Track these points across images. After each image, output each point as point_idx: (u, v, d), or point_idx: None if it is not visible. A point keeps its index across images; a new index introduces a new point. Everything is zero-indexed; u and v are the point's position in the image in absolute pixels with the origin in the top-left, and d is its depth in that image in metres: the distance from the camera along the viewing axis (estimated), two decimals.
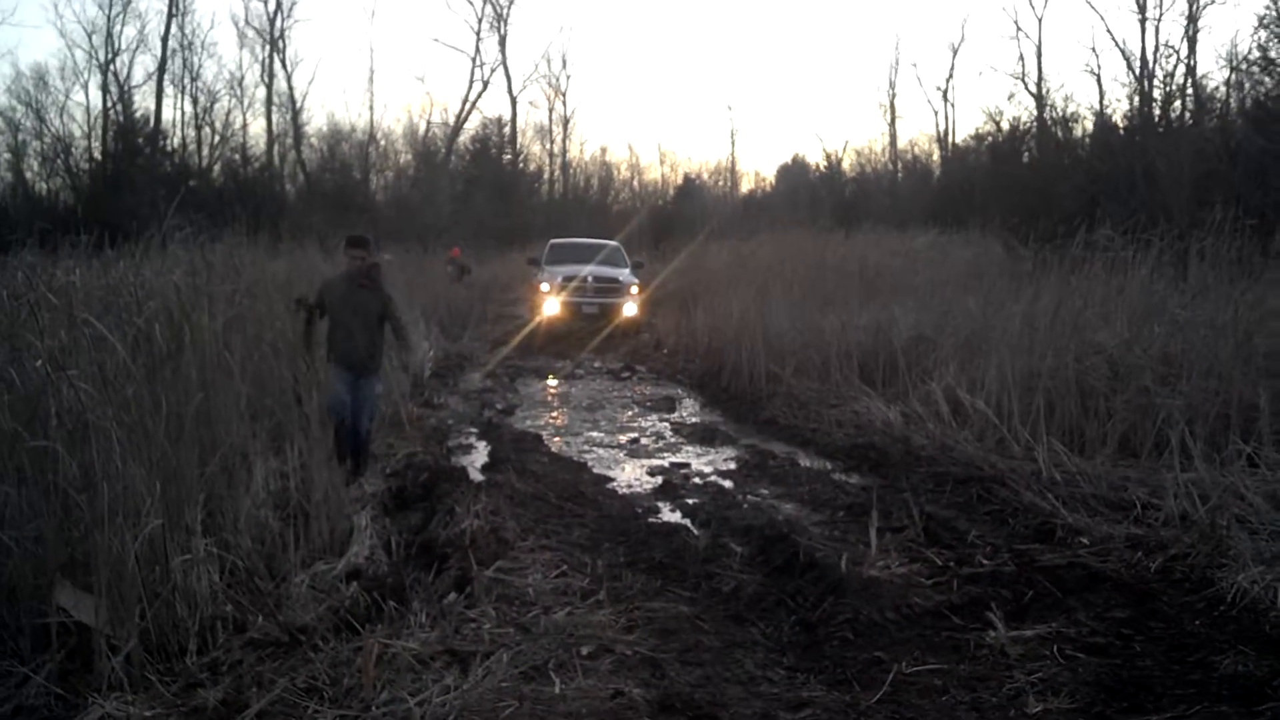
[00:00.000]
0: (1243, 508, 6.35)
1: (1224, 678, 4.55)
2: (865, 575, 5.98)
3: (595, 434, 11.40)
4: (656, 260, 24.39)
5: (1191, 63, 32.17)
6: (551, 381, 16.02)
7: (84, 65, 53.57)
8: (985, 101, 52.06)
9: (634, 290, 20.51)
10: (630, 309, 20.32)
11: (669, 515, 7.88)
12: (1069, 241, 11.78)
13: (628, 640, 5.16)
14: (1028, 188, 28.26)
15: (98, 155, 44.65)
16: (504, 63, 53.97)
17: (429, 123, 54.46)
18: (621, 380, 15.74)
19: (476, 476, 8.75)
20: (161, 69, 46.41)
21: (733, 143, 79.34)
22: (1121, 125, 31.70)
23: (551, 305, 20.04)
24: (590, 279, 20.33)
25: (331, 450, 7.68)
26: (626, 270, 21.20)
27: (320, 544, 6.46)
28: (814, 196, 46.01)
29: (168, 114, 47.31)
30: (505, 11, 53.34)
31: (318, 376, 8.24)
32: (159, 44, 46.58)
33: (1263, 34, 23.60)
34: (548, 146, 57.33)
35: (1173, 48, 34.14)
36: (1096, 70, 47.29)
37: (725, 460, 9.89)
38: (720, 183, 61.87)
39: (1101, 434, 8.49)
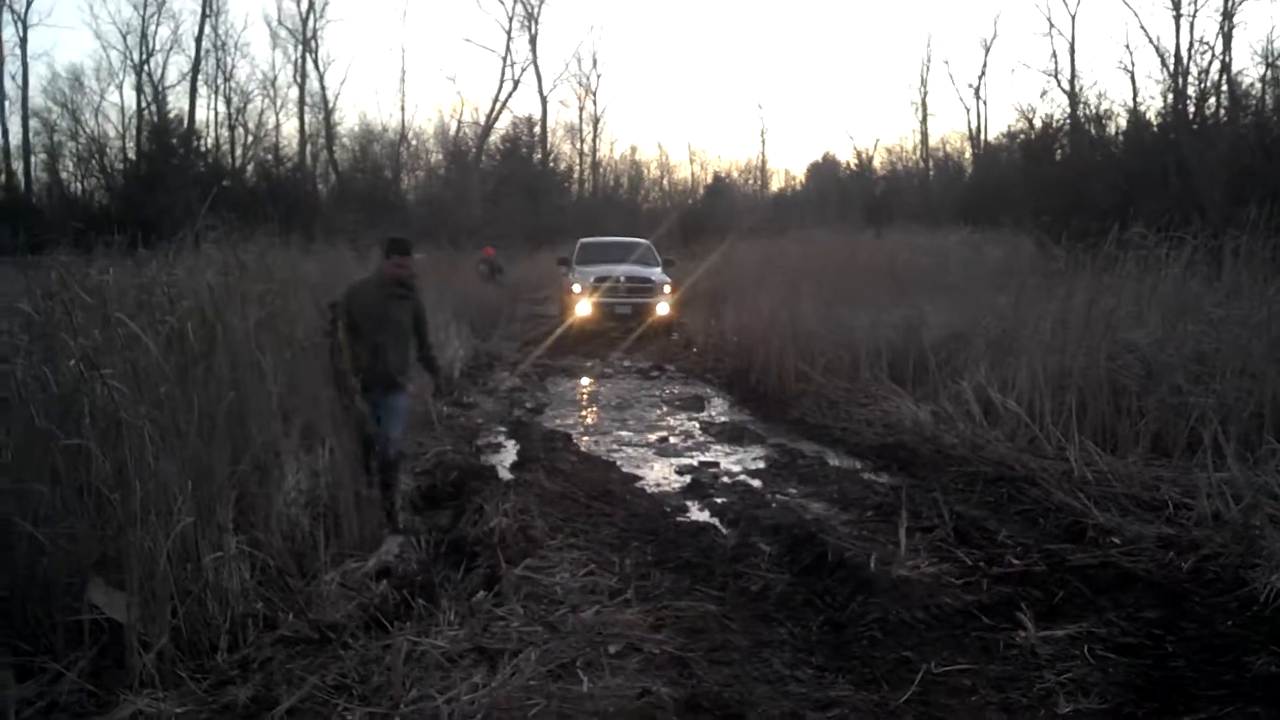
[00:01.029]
0: (1276, 507, 6.28)
1: (1257, 678, 4.52)
2: (894, 575, 5.96)
3: (624, 433, 11.41)
4: (686, 259, 24.34)
5: (1227, 59, 31.82)
6: (581, 380, 16.04)
7: (119, 66, 54.53)
8: (1018, 99, 51.79)
9: (667, 290, 20.22)
10: (663, 308, 20.03)
11: (697, 514, 7.88)
12: (1102, 240, 11.68)
13: (655, 639, 5.17)
14: (1060, 185, 28.15)
15: (132, 155, 45.18)
16: (534, 62, 54.19)
17: (460, 122, 54.77)
18: (651, 379, 15.74)
19: (505, 475, 8.78)
20: (195, 69, 46.93)
21: (763, 141, 79.23)
22: (1155, 122, 31.48)
23: (584, 307, 19.79)
24: (623, 279, 20.04)
25: (359, 466, 7.17)
26: (658, 269, 20.97)
27: (350, 542, 6.49)
28: (844, 195, 45.95)
29: (201, 114, 47.96)
30: (536, 11, 53.56)
31: (353, 396, 7.23)
32: (193, 44, 47.13)
33: None
34: (578, 146, 57.55)
35: (1208, 44, 33.78)
36: (1130, 67, 47.21)
37: (754, 459, 9.87)
38: (750, 181, 61.87)
39: (1134, 433, 8.42)
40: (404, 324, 7.54)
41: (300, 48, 49.90)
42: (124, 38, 47.85)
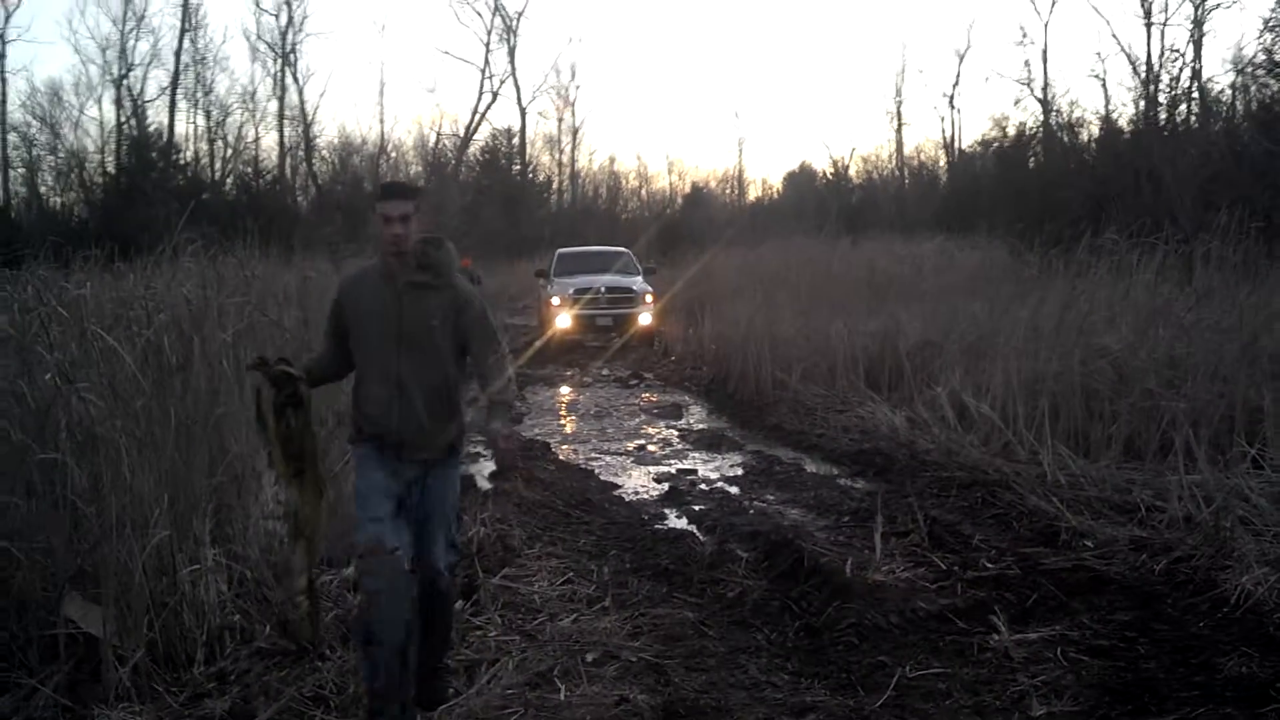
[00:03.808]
0: (1247, 509, 6.35)
1: (1228, 680, 4.57)
2: (870, 580, 6.00)
3: (603, 441, 11.42)
4: (665, 268, 24.33)
5: (1197, 67, 31.97)
6: (560, 389, 16.04)
7: (98, 80, 54.16)
8: (991, 108, 52.28)
9: (649, 299, 19.99)
10: (646, 319, 19.82)
11: (675, 522, 7.90)
12: (1074, 246, 11.80)
13: (633, 647, 5.20)
14: (1034, 193, 28.35)
15: (111, 169, 44.82)
16: (513, 74, 54.10)
17: (439, 134, 54.66)
18: (629, 388, 15.75)
19: (484, 484, 8.78)
20: (174, 83, 46.63)
21: (740, 151, 79.23)
22: (1127, 130, 31.69)
23: (563, 319, 19.47)
24: (603, 290, 19.76)
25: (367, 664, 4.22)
26: (639, 278, 20.78)
27: (328, 552, 6.48)
28: (821, 204, 45.95)
29: (180, 128, 47.34)
30: (514, 23, 53.50)
31: (308, 505, 4.43)
32: (172, 59, 46.79)
33: (1268, 37, 23.63)
34: (557, 156, 57.48)
35: (1178, 52, 34.09)
36: (1102, 75, 47.53)
37: (732, 466, 9.90)
38: (728, 191, 61.96)
39: (1106, 437, 8.49)
40: (437, 339, 4.36)
41: (279, 61, 49.69)
42: (103, 52, 47.40)
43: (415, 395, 4.34)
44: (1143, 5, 34.89)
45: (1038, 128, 39.00)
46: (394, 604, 4.09)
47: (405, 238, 4.32)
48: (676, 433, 11.85)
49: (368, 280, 4.52)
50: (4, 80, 44.24)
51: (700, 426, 12.26)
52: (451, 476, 4.54)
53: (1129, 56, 41.69)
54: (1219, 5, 33.99)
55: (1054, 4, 61.80)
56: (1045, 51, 53.26)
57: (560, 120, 56.97)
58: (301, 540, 4.35)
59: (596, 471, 9.72)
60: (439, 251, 4.46)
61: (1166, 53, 34.97)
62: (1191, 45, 32.74)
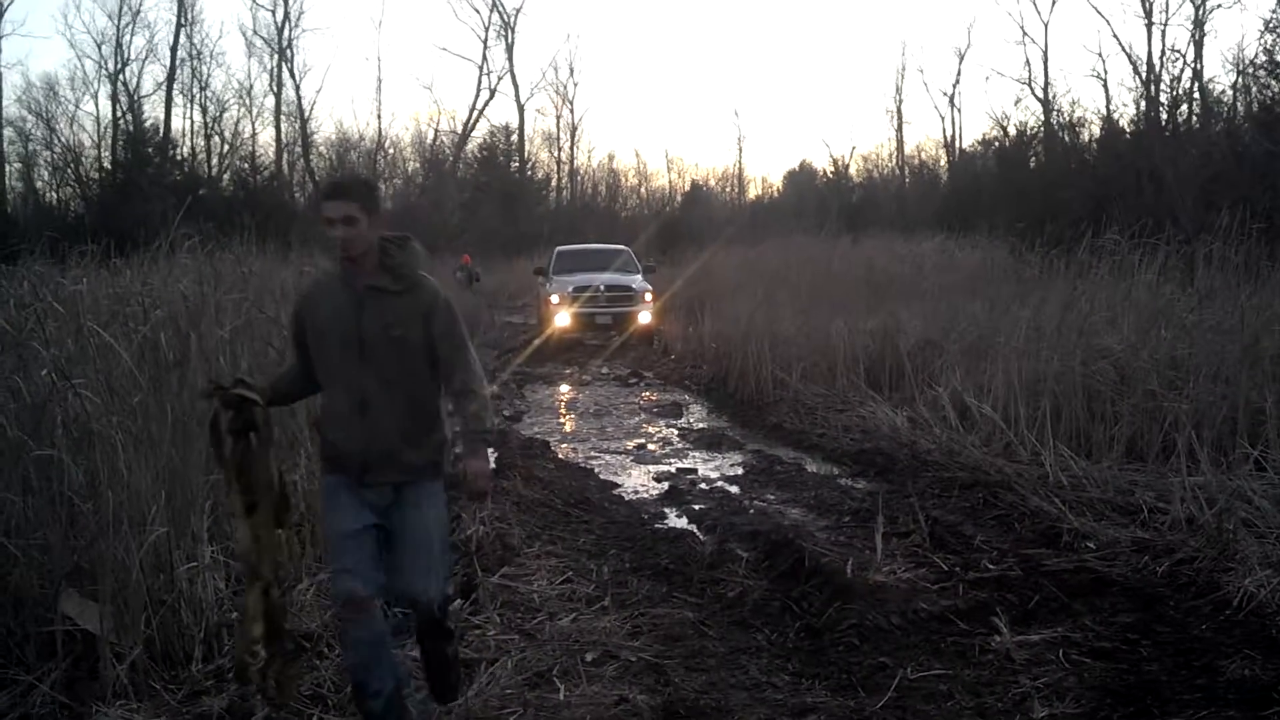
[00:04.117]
0: (1249, 511, 6.33)
1: (1231, 682, 4.55)
2: (871, 580, 5.98)
3: (602, 440, 11.40)
4: (664, 267, 24.32)
5: (1198, 67, 32.08)
6: (560, 388, 16.02)
7: (93, 75, 54.31)
8: (992, 107, 52.29)
9: (648, 297, 19.95)
10: (645, 317, 19.79)
11: (675, 521, 7.87)
12: (1075, 246, 11.78)
13: (632, 646, 5.18)
14: (1034, 192, 28.36)
15: (107, 164, 44.86)
16: (511, 71, 54.24)
17: (437, 131, 54.80)
18: (629, 386, 15.73)
19: None
20: (170, 78, 46.76)
21: (740, 149, 79.14)
22: (1128, 130, 31.73)
23: (563, 317, 19.43)
24: (603, 288, 19.73)
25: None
26: (639, 276, 20.75)
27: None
28: (821, 202, 46.06)
29: (177, 123, 47.40)
30: (512, 20, 53.64)
31: (264, 543, 4.05)
32: (168, 54, 46.96)
33: (1269, 38, 23.64)
34: (555, 154, 57.59)
35: (1179, 52, 34.08)
36: (1103, 75, 47.59)
37: (732, 465, 9.88)
38: (728, 189, 62.07)
39: (1108, 438, 8.47)
40: (403, 348, 4.01)
41: (276, 57, 49.81)
42: (99, 47, 47.55)
43: (382, 412, 3.98)
44: (1143, 5, 35.01)
45: (1038, 127, 39.08)
46: (378, 652, 3.94)
47: (351, 240, 3.93)
48: (676, 432, 11.83)
49: (327, 287, 4.19)
50: (0, 75, 44.28)
51: (700, 425, 12.24)
52: (433, 500, 4.13)
53: (1130, 56, 41.90)
54: (1220, 5, 34.11)
55: (1054, 3, 61.94)
56: (1046, 51, 53.32)
57: (559, 117, 57.10)
58: (257, 583, 3.97)
59: (596, 470, 9.70)
60: (402, 252, 4.08)
61: (1167, 53, 35.06)
62: (1192, 45, 32.84)
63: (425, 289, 4.08)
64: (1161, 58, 34.46)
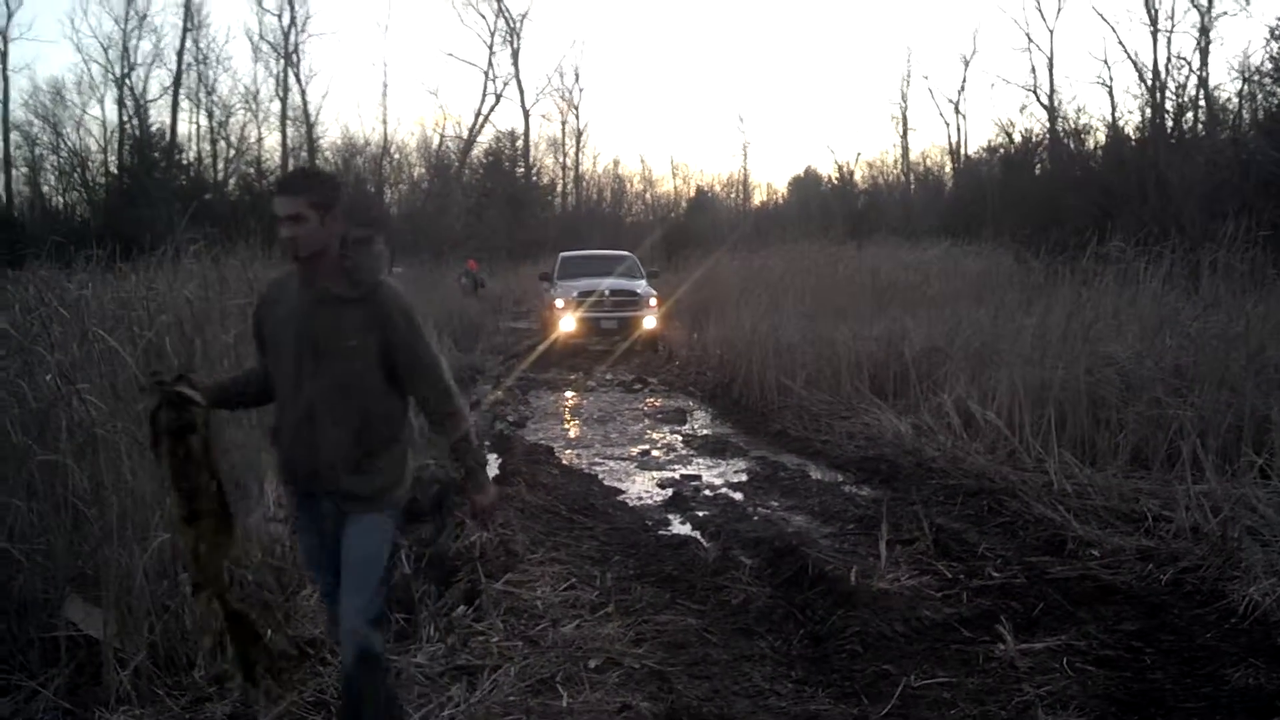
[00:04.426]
0: (1254, 519, 6.32)
1: (1235, 691, 4.54)
2: (875, 588, 5.96)
3: (606, 446, 11.39)
4: (670, 272, 24.32)
5: (1204, 74, 32.14)
6: (564, 394, 16.01)
7: (100, 80, 54.53)
8: (997, 113, 52.43)
9: (653, 303, 19.93)
10: (650, 322, 19.76)
11: (679, 528, 7.86)
12: (1080, 253, 11.76)
13: (636, 653, 5.17)
14: (1039, 199, 28.34)
15: (113, 169, 45.05)
16: (517, 76, 54.56)
17: (442, 136, 54.99)
18: (633, 392, 15.73)
19: None
20: (177, 83, 46.94)
21: (745, 155, 79.57)
22: (1133, 137, 31.70)
23: (567, 322, 19.41)
24: (608, 293, 19.72)
25: None
26: (643, 282, 20.75)
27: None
28: (826, 208, 46.04)
29: (183, 128, 47.95)
30: (518, 25, 53.88)
31: (209, 552, 3.76)
32: (174, 58, 47.17)
33: (1275, 45, 23.71)
34: (560, 159, 57.74)
35: (1185, 59, 34.19)
36: (1108, 82, 47.35)
37: (736, 472, 9.87)
38: (733, 195, 62.14)
39: (1113, 446, 8.45)
40: (355, 361, 3.68)
41: (282, 61, 50.03)
42: (105, 51, 47.80)
43: (330, 426, 3.67)
44: (1149, 12, 35.05)
45: (1044, 134, 39.11)
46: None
47: (300, 240, 3.60)
48: (680, 438, 11.82)
49: (285, 288, 3.87)
50: (6, 79, 44.49)
51: (704, 432, 12.23)
52: (374, 529, 3.73)
53: (1135, 64, 41.92)
54: (1226, 13, 34.08)
55: (1060, 10, 62.00)
56: (1051, 58, 53.10)
57: (564, 123, 57.26)
58: (204, 594, 3.74)
59: (600, 476, 9.69)
60: (361, 254, 3.73)
61: (1173, 60, 35.09)
62: (1198, 53, 32.87)
63: (383, 295, 3.71)
64: (1167, 65, 34.52)
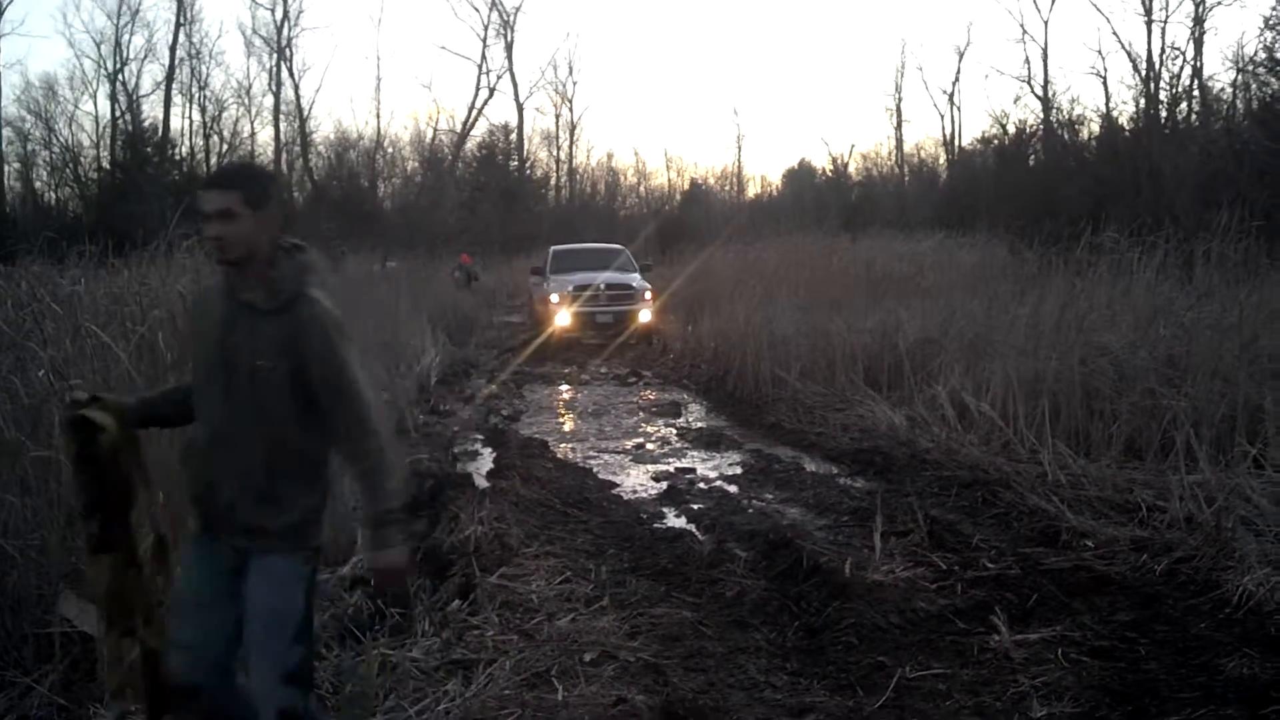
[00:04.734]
0: (1248, 509, 6.33)
1: (1229, 680, 4.55)
2: (869, 580, 5.97)
3: (601, 439, 11.38)
4: (664, 265, 24.31)
5: (1198, 64, 32.15)
6: (558, 387, 16.00)
7: (92, 75, 54.43)
8: (991, 105, 52.33)
9: (648, 296, 19.96)
10: (645, 315, 19.77)
11: (673, 521, 7.86)
12: (1074, 244, 11.79)
13: (631, 646, 5.16)
14: (1034, 190, 28.37)
15: (106, 164, 44.91)
16: (510, 69, 54.30)
17: (436, 130, 54.84)
18: (628, 386, 15.72)
19: (482, 483, 8.73)
20: (169, 78, 46.83)
21: (739, 148, 78.92)
22: (1127, 128, 31.75)
23: (563, 316, 19.40)
24: (603, 286, 19.72)
25: None
26: (638, 275, 20.76)
27: (325, 551, 6.43)
28: (820, 201, 46.07)
29: (176, 123, 47.50)
30: (511, 19, 53.68)
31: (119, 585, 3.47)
32: (167, 53, 47.09)
33: (1269, 35, 23.66)
34: (554, 153, 57.63)
35: (1179, 49, 34.09)
36: (1102, 73, 47.65)
37: (730, 465, 9.87)
38: (727, 188, 62.02)
39: (1107, 436, 8.46)
40: (269, 383, 3.24)
41: (275, 56, 49.88)
42: (98, 46, 47.63)
43: (235, 455, 3.26)
44: (1143, 2, 35.07)
45: (1038, 125, 39.06)
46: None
47: (228, 241, 3.22)
48: (675, 431, 11.82)
49: (212, 296, 3.47)
50: None
51: (699, 425, 12.23)
52: (285, 576, 3.28)
53: (1129, 54, 41.86)
54: (1219, 3, 34.14)
55: (1054, 1, 61.96)
56: (1045, 49, 53.40)
57: (558, 116, 57.17)
58: (113, 631, 3.44)
59: (595, 470, 9.68)
60: (286, 262, 3.32)
61: (1167, 50, 35.18)
62: (1192, 43, 32.89)
63: (303, 309, 3.26)
64: (1161, 55, 34.57)
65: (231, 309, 3.30)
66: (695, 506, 8.19)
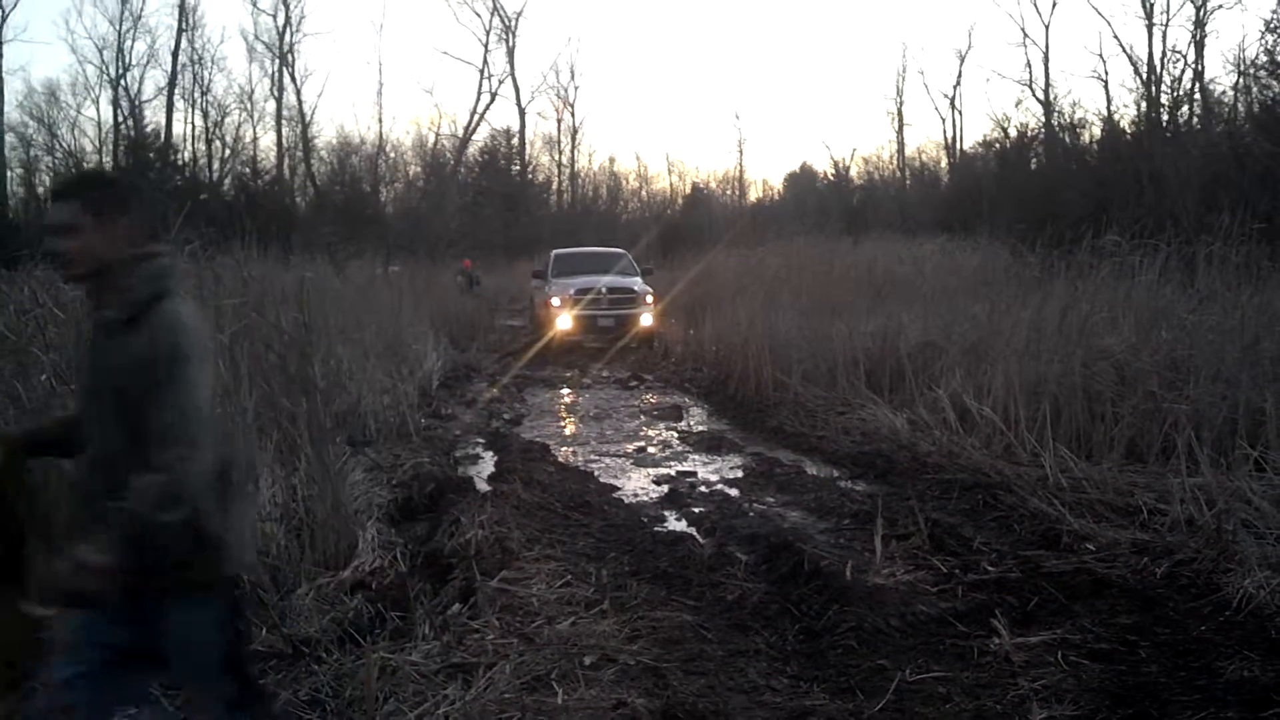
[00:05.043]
0: (1249, 512, 6.32)
1: (1230, 684, 4.54)
2: (870, 583, 5.97)
3: (602, 443, 11.39)
4: (666, 269, 24.32)
5: (1199, 67, 32.17)
6: (560, 391, 16.01)
7: (95, 80, 54.53)
8: (993, 108, 52.33)
9: (649, 300, 19.98)
10: (647, 319, 19.80)
11: (674, 524, 7.86)
12: (1076, 247, 11.77)
13: (631, 650, 5.16)
14: (1035, 194, 28.36)
15: (109, 169, 44.85)
16: (512, 74, 54.33)
17: (438, 134, 54.89)
18: (629, 389, 15.72)
19: (483, 487, 8.74)
20: (172, 83, 46.91)
21: (740, 152, 79.24)
22: (1129, 131, 31.75)
23: (564, 320, 19.41)
24: (605, 290, 19.73)
25: None
26: (639, 279, 20.77)
27: (325, 555, 6.44)
28: (822, 204, 46.06)
29: (178, 128, 47.54)
30: (513, 23, 53.79)
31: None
32: (169, 59, 47.14)
33: (1270, 38, 23.68)
34: (556, 157, 57.66)
35: (1180, 53, 34.14)
36: (1104, 76, 47.62)
37: (731, 468, 9.87)
38: (728, 192, 62.06)
39: (1108, 439, 8.45)
40: (128, 406, 2.93)
41: (277, 61, 49.92)
42: (100, 53, 47.75)
43: (105, 485, 2.90)
44: (1144, 6, 35.08)
45: (1039, 129, 39.13)
46: None
47: (74, 256, 2.98)
48: (676, 434, 11.82)
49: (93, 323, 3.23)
50: (1, 81, 44.36)
51: (700, 428, 12.23)
52: (198, 611, 3.05)
53: (1130, 57, 41.96)
54: (1221, 6, 34.07)
55: (1055, 5, 61.86)
56: (1046, 52, 53.12)
57: (559, 120, 57.20)
58: None
59: (596, 473, 9.68)
60: (140, 270, 3.03)
61: (1168, 54, 35.09)
62: (1193, 46, 32.90)
63: (155, 319, 2.96)
64: (1162, 59, 34.55)
65: (95, 329, 3.11)
66: (696, 510, 8.19)
